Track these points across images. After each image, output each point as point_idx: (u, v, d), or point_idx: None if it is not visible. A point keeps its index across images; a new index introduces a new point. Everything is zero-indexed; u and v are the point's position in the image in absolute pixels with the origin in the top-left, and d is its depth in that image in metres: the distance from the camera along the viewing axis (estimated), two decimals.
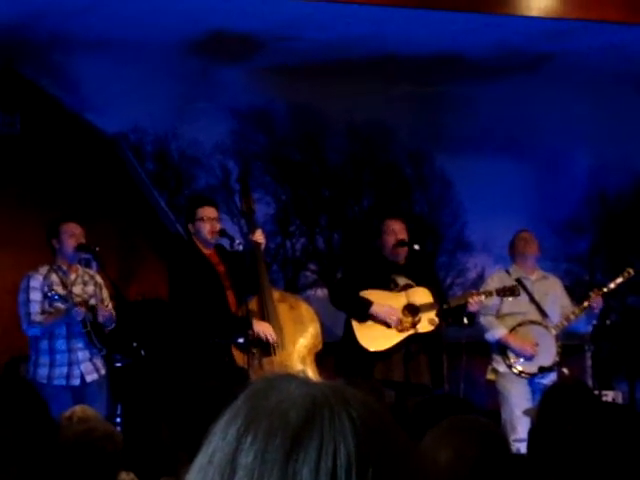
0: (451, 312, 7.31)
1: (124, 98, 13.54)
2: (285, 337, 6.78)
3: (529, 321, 7.59)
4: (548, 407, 3.27)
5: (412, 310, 7.22)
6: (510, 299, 7.48)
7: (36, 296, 6.94)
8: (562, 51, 13.37)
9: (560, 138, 14.98)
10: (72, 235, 7.04)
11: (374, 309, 7.16)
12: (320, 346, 6.94)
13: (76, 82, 13.42)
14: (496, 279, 7.73)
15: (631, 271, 7.79)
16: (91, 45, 12.72)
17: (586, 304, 7.60)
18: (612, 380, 10.71)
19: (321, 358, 7.06)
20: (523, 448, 6.62)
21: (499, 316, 7.62)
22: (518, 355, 7.49)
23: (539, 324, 7.60)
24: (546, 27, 11.51)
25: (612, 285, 7.74)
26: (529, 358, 7.47)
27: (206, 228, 6.80)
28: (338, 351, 7.43)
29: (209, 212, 6.88)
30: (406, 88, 14.71)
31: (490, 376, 7.63)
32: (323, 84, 14.16)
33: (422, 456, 2.22)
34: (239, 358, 6.59)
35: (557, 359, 7.52)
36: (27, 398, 2.71)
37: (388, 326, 7.18)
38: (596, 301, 7.58)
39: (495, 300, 7.51)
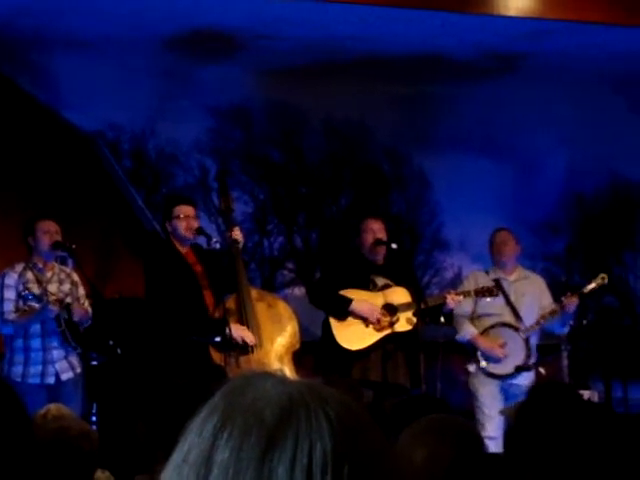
0: (429, 311, 7.33)
1: (101, 96, 13.48)
2: (263, 336, 6.77)
3: (501, 323, 7.62)
4: (529, 406, 3.27)
5: (390, 310, 7.23)
6: (488, 299, 7.50)
7: (10, 294, 6.91)
8: (540, 51, 13.40)
9: (538, 138, 15.00)
10: (47, 232, 7.02)
11: (354, 306, 7.16)
12: (298, 345, 6.94)
13: (53, 80, 13.35)
14: (472, 279, 7.75)
15: (605, 278, 7.84)
16: (68, 43, 12.67)
17: (557, 307, 7.64)
18: (588, 380, 10.74)
19: (299, 357, 7.05)
20: (492, 446, 6.67)
21: (474, 317, 7.65)
22: (486, 357, 7.53)
23: (510, 326, 7.62)
24: (524, 27, 11.54)
25: (585, 291, 7.78)
26: (497, 360, 7.51)
27: (183, 226, 6.78)
28: (317, 350, 7.43)
29: (186, 210, 6.86)
30: (385, 88, 14.71)
31: (465, 375, 7.69)
32: (302, 83, 14.14)
33: (398, 456, 2.21)
34: (216, 356, 6.58)
35: (527, 361, 7.56)
36: (2, 395, 2.69)
37: (367, 325, 7.18)
38: (569, 304, 7.61)
39: (471, 301, 7.54)
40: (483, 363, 7.49)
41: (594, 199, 15.71)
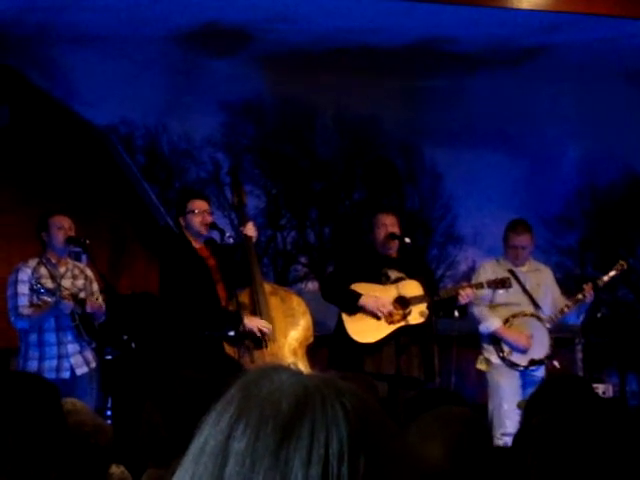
0: (442, 305, 7.30)
1: (114, 91, 13.51)
2: (276, 330, 6.78)
3: (523, 313, 7.57)
4: (538, 400, 3.27)
5: (403, 302, 7.22)
6: (501, 291, 7.46)
7: (24, 289, 6.92)
8: (553, 45, 13.37)
9: (551, 131, 14.98)
10: (61, 228, 7.02)
11: (363, 301, 7.15)
12: (311, 339, 6.94)
13: (66, 75, 13.39)
14: (487, 269, 7.69)
15: (624, 264, 7.77)
16: (81, 38, 12.69)
17: (580, 297, 7.58)
18: (603, 373, 10.72)
19: (313, 351, 7.06)
20: (510, 442, 6.64)
21: (492, 306, 7.59)
22: (512, 348, 7.47)
23: (533, 316, 7.58)
24: (537, 20, 11.52)
25: (606, 278, 7.72)
26: (523, 351, 7.45)
27: (197, 221, 6.78)
28: (330, 344, 7.42)
29: (200, 205, 6.87)
30: (397, 82, 14.69)
31: (480, 366, 7.60)
32: (313, 77, 14.14)
33: (411, 447, 2.22)
34: (230, 351, 6.59)
35: (549, 352, 7.50)
36: (37, 387, 2.74)
37: (378, 318, 7.17)
38: (589, 294, 7.57)
39: (487, 290, 7.49)
40: (508, 352, 7.41)
41: (608, 192, 15.68)
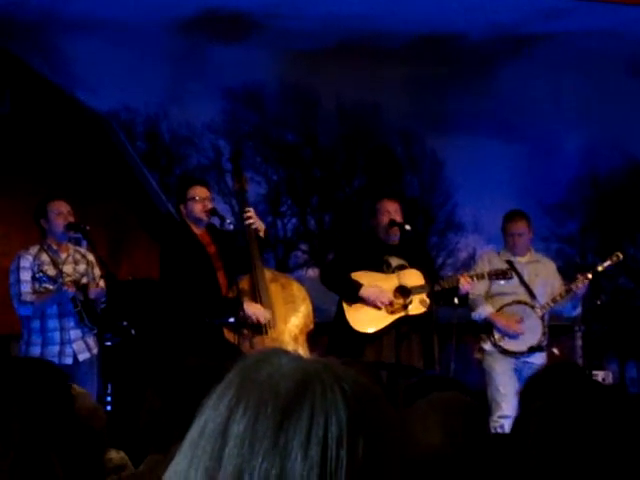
0: (443, 294, 7.30)
1: (115, 77, 13.49)
2: (277, 316, 6.79)
3: (516, 301, 7.60)
4: (535, 386, 3.28)
5: (403, 292, 7.22)
6: (502, 282, 7.48)
7: (26, 276, 6.93)
8: (555, 33, 13.36)
9: (552, 119, 14.97)
10: (60, 214, 7.01)
11: (363, 292, 7.15)
12: (312, 326, 6.94)
13: (67, 61, 13.37)
14: (486, 259, 7.72)
15: (620, 255, 7.79)
16: (82, 24, 12.67)
17: (572, 287, 7.60)
18: (602, 360, 10.74)
19: (313, 338, 7.06)
20: (507, 425, 6.66)
21: (488, 296, 7.63)
22: (503, 333, 7.51)
23: (525, 304, 7.60)
24: (540, 5, 11.49)
25: (600, 268, 7.73)
26: (514, 336, 7.49)
27: (198, 208, 6.79)
28: (330, 332, 7.43)
29: (201, 192, 6.87)
30: (398, 69, 14.68)
31: (478, 355, 7.66)
32: (315, 64, 14.12)
33: (410, 431, 2.22)
34: (230, 337, 6.60)
35: (543, 339, 7.53)
36: (47, 372, 2.76)
37: (378, 308, 7.18)
38: (581, 285, 7.57)
39: (485, 281, 7.52)
40: (498, 338, 7.47)
41: (608, 180, 15.67)
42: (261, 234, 6.88)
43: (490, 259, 7.69)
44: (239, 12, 12.98)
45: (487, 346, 7.57)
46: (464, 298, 7.48)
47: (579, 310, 7.90)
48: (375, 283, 7.20)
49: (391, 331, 7.15)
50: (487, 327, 7.56)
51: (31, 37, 12.76)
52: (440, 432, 2.31)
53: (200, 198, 6.81)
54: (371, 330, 7.15)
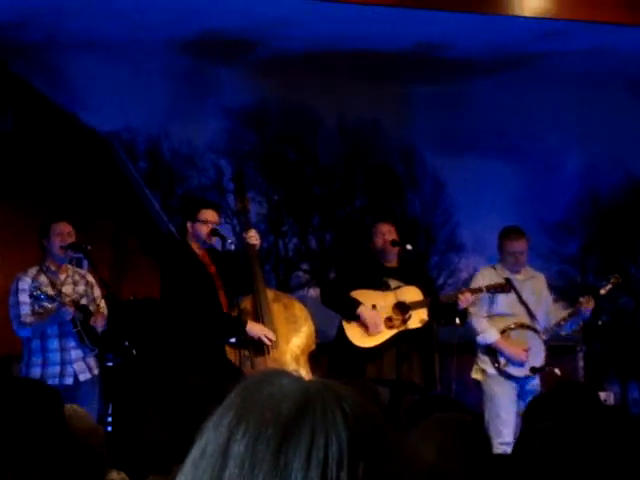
0: (443, 311, 7.31)
1: (116, 97, 13.51)
2: (279, 336, 6.78)
3: (520, 325, 7.58)
4: (540, 406, 3.27)
5: (402, 308, 7.23)
6: (501, 296, 7.47)
7: (26, 298, 6.93)
8: (555, 52, 13.39)
9: (552, 138, 14.98)
10: (60, 234, 7.02)
11: (361, 310, 7.17)
12: (314, 346, 6.94)
13: (69, 81, 13.40)
14: (486, 274, 7.72)
15: (619, 277, 7.88)
16: (84, 44, 12.71)
17: (577, 310, 7.62)
18: (604, 381, 10.72)
19: (315, 359, 7.05)
20: (509, 452, 6.63)
21: (489, 317, 7.61)
22: (509, 360, 7.48)
23: (530, 328, 7.59)
24: (539, 28, 11.53)
25: (602, 292, 7.79)
26: (520, 364, 7.47)
27: (205, 230, 6.80)
28: (331, 352, 7.43)
29: (212, 216, 6.87)
30: (398, 88, 14.71)
31: (476, 375, 7.61)
32: (315, 83, 14.15)
33: (411, 453, 2.22)
34: (231, 357, 6.59)
35: (544, 362, 7.53)
36: (40, 394, 2.75)
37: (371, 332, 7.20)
38: (586, 307, 7.58)
39: (485, 300, 7.50)
40: (503, 364, 7.43)
41: (609, 199, 15.67)
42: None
43: (487, 275, 7.69)
44: (240, 33, 13.02)
45: (489, 369, 7.52)
46: (464, 316, 7.48)
47: (575, 327, 7.92)
48: (373, 300, 7.22)
49: (392, 349, 7.15)
50: (490, 350, 7.51)
51: (33, 56, 12.79)
52: (439, 452, 2.30)
53: (210, 222, 6.82)
54: (371, 345, 7.15)
